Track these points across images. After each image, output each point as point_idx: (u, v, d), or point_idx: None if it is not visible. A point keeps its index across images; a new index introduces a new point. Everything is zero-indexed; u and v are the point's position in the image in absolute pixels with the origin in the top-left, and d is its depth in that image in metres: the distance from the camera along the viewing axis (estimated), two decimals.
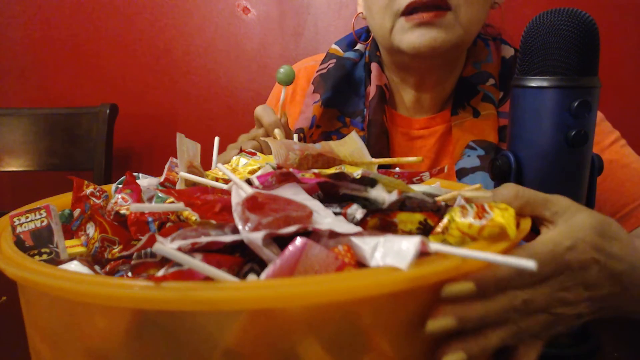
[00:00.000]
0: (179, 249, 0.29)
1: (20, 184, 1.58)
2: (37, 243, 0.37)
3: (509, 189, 0.38)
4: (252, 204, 0.32)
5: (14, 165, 1.37)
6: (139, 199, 0.43)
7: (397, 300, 0.28)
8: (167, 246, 0.27)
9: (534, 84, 0.45)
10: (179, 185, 0.45)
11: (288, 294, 0.25)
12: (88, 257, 0.39)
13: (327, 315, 0.26)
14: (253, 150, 0.53)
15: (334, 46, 0.82)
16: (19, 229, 0.37)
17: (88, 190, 0.45)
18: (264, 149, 0.61)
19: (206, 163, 0.50)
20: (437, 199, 0.40)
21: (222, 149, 0.58)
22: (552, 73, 0.44)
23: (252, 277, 0.28)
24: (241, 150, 0.53)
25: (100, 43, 1.49)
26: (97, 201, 0.44)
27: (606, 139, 0.70)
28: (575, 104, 0.43)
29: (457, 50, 0.70)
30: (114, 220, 0.41)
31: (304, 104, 0.78)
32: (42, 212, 0.37)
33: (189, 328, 0.26)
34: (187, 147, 0.48)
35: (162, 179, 0.48)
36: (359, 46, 0.82)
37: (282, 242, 0.29)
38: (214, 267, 0.27)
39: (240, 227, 0.30)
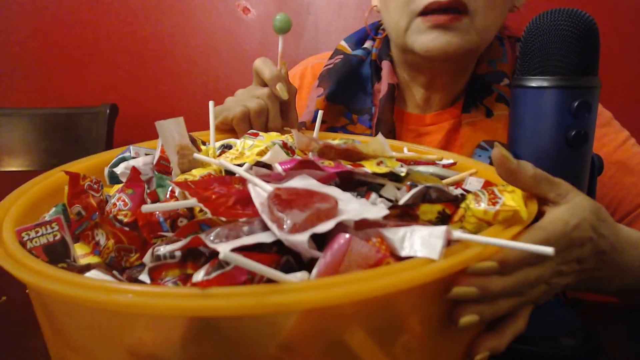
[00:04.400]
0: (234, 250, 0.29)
1: (20, 184, 1.58)
2: (53, 258, 0.35)
3: (529, 168, 0.39)
4: (279, 202, 0.32)
5: (14, 165, 1.37)
6: (142, 201, 0.41)
7: (429, 286, 0.30)
8: (224, 250, 0.26)
9: (534, 84, 0.45)
10: (174, 170, 0.44)
11: (345, 292, 0.27)
12: (102, 266, 0.36)
13: (372, 306, 0.28)
14: (255, 131, 0.54)
15: (342, 43, 0.82)
16: (29, 245, 0.34)
17: (85, 184, 0.42)
18: (270, 109, 0.61)
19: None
20: (448, 180, 0.43)
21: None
22: (552, 73, 0.44)
23: (303, 275, 0.29)
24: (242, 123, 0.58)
25: (100, 43, 1.49)
26: (96, 195, 0.42)
27: (617, 138, 0.70)
28: (575, 104, 0.43)
29: (471, 56, 0.70)
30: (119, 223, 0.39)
31: (308, 98, 0.78)
32: (53, 225, 0.35)
33: (247, 328, 0.27)
34: (170, 132, 0.45)
35: (156, 157, 0.47)
36: (367, 44, 0.81)
37: (315, 235, 0.30)
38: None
39: (275, 230, 0.30)
